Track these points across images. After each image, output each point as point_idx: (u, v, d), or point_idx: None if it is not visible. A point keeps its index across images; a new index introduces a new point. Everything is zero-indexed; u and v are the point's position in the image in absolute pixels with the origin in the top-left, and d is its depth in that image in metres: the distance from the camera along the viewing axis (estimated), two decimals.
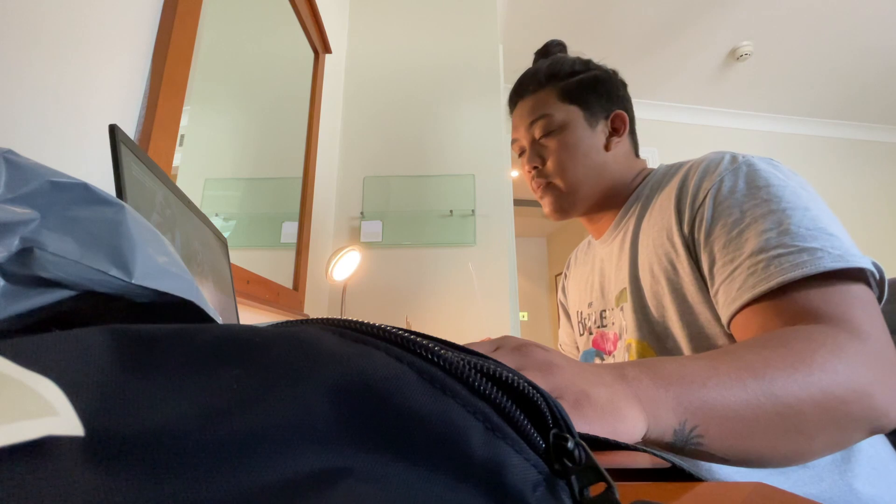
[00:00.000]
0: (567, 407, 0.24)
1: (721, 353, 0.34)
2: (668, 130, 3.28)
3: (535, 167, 0.67)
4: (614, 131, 0.66)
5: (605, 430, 0.24)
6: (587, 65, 0.69)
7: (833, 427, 0.33)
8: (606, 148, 0.65)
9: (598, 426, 0.24)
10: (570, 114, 0.65)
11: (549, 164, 0.66)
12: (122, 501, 0.07)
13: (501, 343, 0.30)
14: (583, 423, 0.24)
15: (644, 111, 3.23)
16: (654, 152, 3.14)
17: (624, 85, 0.70)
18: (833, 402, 0.32)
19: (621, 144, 0.66)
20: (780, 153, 3.40)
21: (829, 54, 2.76)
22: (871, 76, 2.94)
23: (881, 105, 3.24)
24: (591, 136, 0.65)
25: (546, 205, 0.69)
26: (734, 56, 2.78)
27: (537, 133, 0.67)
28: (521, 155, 0.71)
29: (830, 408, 0.32)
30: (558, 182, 0.66)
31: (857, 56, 2.77)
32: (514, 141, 0.71)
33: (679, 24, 2.56)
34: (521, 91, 0.70)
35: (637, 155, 0.70)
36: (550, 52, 0.74)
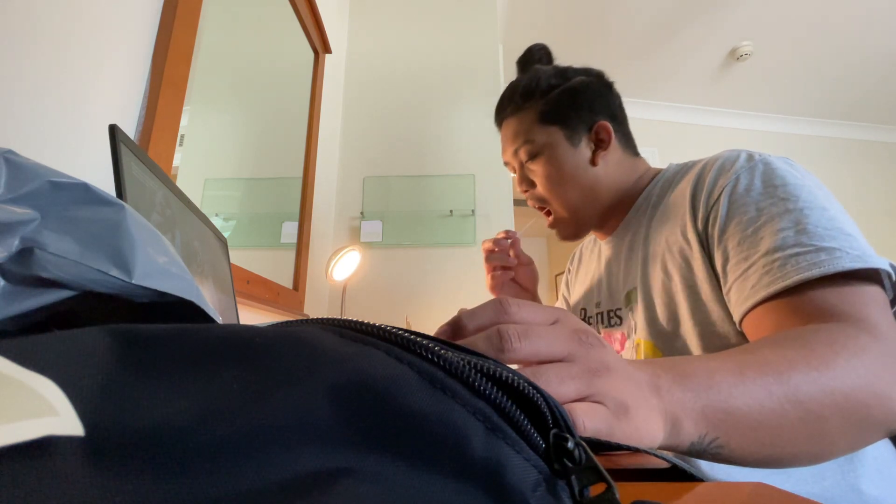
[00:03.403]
0: (603, 416, 0.23)
1: (746, 354, 0.34)
2: (668, 130, 3.28)
3: (526, 189, 0.69)
4: (599, 143, 0.64)
5: (629, 443, 0.24)
6: (564, 75, 0.66)
7: (854, 431, 0.33)
8: (593, 163, 0.64)
9: (625, 440, 0.24)
10: (551, 136, 0.64)
11: (540, 189, 0.66)
12: (123, 501, 0.07)
13: (561, 318, 0.27)
14: (611, 435, 0.23)
15: (644, 111, 3.23)
16: (654, 152, 3.14)
17: (607, 87, 0.68)
18: (855, 407, 0.32)
19: (610, 154, 0.65)
20: (780, 153, 3.38)
21: (829, 54, 2.76)
22: (871, 76, 2.94)
23: (881, 105, 3.24)
24: (574, 154, 0.64)
25: (557, 233, 0.70)
26: (734, 56, 2.78)
27: (523, 157, 0.67)
28: (514, 174, 0.71)
29: (853, 412, 0.32)
30: (557, 208, 0.66)
31: (858, 56, 2.77)
32: (505, 163, 0.72)
33: (679, 24, 2.56)
34: (502, 111, 0.69)
35: (635, 154, 0.69)
36: (532, 58, 0.73)
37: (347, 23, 1.94)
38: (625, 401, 0.24)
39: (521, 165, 0.68)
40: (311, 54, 1.52)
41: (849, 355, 0.34)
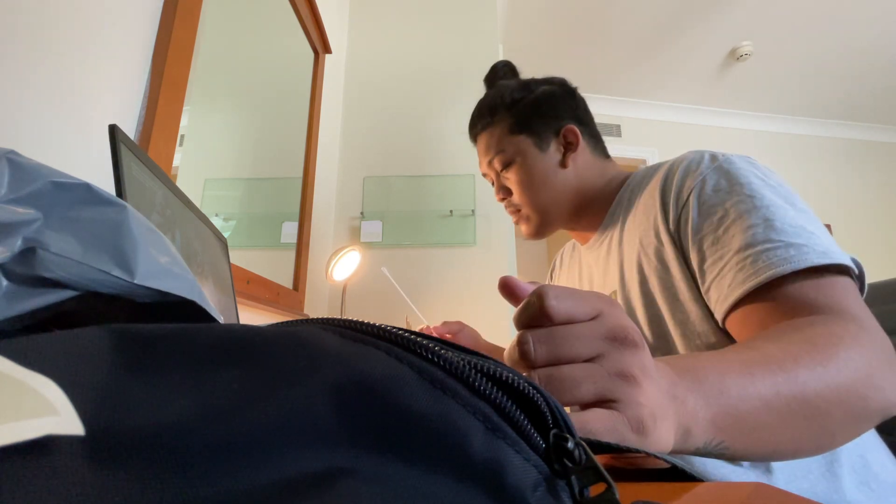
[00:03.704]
0: (617, 427, 0.23)
1: (752, 352, 0.34)
2: (668, 130, 3.28)
3: (503, 198, 0.71)
4: (568, 146, 0.67)
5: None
6: (528, 87, 0.70)
7: (853, 422, 0.34)
8: (564, 165, 0.67)
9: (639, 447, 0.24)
10: (520, 144, 0.67)
11: (515, 196, 0.69)
12: (123, 500, 0.07)
13: (605, 311, 0.25)
14: (628, 443, 0.23)
15: (644, 111, 3.23)
16: (655, 152, 3.13)
17: (571, 94, 0.70)
18: (855, 399, 0.33)
19: (580, 155, 0.67)
20: (780, 153, 3.40)
21: (829, 54, 2.76)
22: (871, 76, 2.94)
23: (881, 105, 3.24)
24: (544, 159, 0.67)
25: (521, 229, 0.72)
26: (734, 56, 2.78)
27: (497, 167, 0.70)
28: (492, 185, 0.74)
29: (853, 405, 0.33)
30: (527, 211, 0.69)
31: (857, 56, 2.77)
32: (484, 174, 0.75)
33: (679, 24, 2.56)
34: (473, 128, 0.74)
35: (605, 156, 0.71)
36: (496, 75, 0.77)
37: (347, 23, 1.94)
38: (645, 418, 0.23)
39: (497, 175, 0.71)
40: (311, 54, 1.52)
41: (846, 347, 0.34)
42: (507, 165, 0.68)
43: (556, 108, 0.68)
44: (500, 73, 0.77)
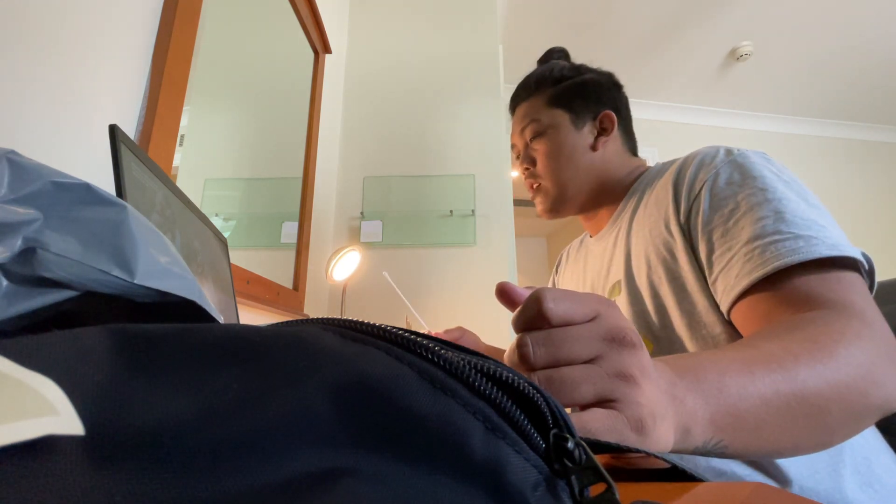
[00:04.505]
0: (616, 426, 0.23)
1: (752, 350, 0.34)
2: (668, 130, 3.28)
3: (526, 168, 0.72)
4: (603, 131, 0.68)
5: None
6: (577, 70, 0.71)
7: (853, 420, 0.34)
8: (594, 148, 0.67)
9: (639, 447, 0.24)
10: (557, 117, 0.68)
11: (539, 166, 0.70)
12: (123, 500, 0.07)
13: (603, 312, 0.25)
14: (628, 443, 0.23)
15: (644, 111, 3.23)
16: (654, 152, 3.13)
17: (617, 86, 0.72)
18: (855, 396, 0.33)
19: (611, 143, 0.68)
20: (780, 153, 3.40)
21: (829, 54, 2.76)
22: (871, 76, 2.94)
23: (881, 105, 3.24)
24: (577, 137, 0.67)
25: (538, 204, 0.73)
26: (734, 56, 2.78)
27: (528, 136, 0.71)
28: (517, 157, 0.75)
29: (853, 402, 0.33)
30: (547, 183, 0.69)
31: (857, 56, 2.77)
32: (512, 145, 0.76)
33: (679, 24, 2.56)
34: (516, 98, 0.74)
35: (635, 153, 0.72)
36: (551, 58, 0.78)
37: (347, 23, 1.94)
38: (644, 417, 0.24)
39: (526, 145, 0.72)
40: (311, 54, 1.52)
41: (847, 343, 0.34)
42: (538, 135, 0.69)
43: (600, 94, 0.69)
44: (555, 56, 0.79)
